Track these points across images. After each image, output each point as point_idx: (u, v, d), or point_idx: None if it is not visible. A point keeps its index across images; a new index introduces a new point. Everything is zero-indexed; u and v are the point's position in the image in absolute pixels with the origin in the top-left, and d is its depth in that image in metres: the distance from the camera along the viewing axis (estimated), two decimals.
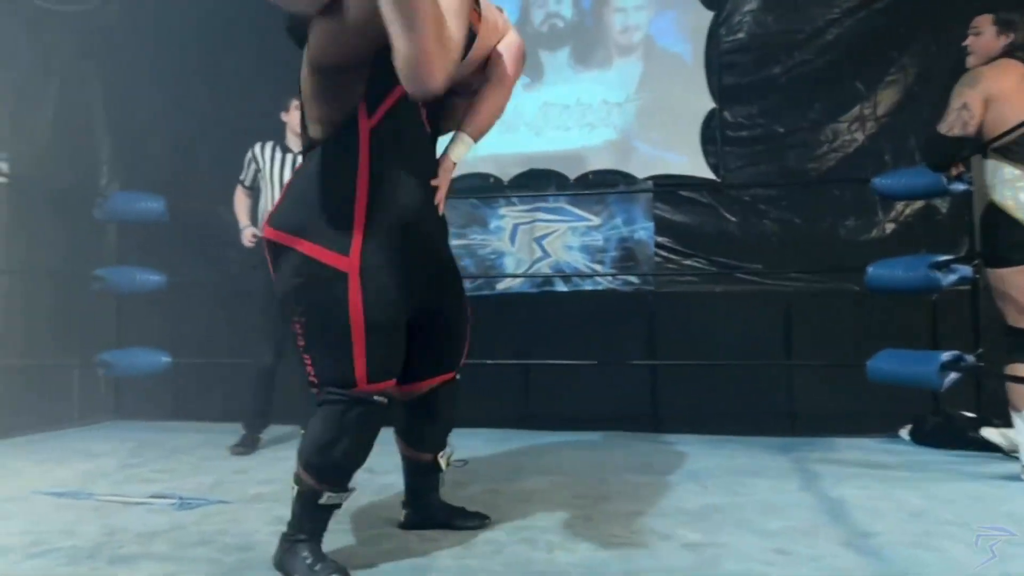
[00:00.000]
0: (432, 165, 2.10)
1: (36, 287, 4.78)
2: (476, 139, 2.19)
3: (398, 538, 2.23)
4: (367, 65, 1.88)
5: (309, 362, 1.93)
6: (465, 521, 2.30)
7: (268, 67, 4.10)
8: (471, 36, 2.00)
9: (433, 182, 2.08)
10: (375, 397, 1.90)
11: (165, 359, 4.18)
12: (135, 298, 4.54)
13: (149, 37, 4.98)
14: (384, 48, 1.68)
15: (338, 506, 1.97)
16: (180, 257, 4.72)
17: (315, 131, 1.99)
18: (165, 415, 4.37)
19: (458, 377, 2.28)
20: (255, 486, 2.91)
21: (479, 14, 2.04)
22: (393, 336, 1.94)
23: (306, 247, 1.91)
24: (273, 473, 3.14)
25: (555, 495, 2.67)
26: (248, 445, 3.68)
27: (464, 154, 2.19)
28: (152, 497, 2.73)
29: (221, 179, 4.10)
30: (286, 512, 1.94)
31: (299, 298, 1.92)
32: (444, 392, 2.22)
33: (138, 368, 4.21)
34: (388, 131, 1.93)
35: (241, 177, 3.89)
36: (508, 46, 2.19)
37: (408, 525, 2.31)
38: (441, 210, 2.15)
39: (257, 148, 3.85)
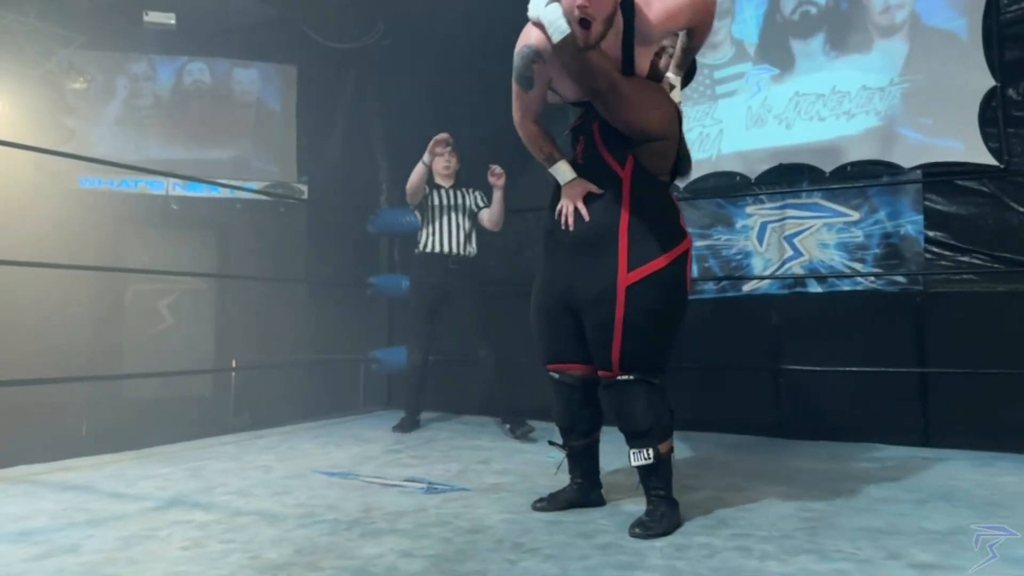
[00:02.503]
0: None
1: (327, 293, 5.48)
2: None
3: (611, 534, 2.28)
4: None
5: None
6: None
7: None
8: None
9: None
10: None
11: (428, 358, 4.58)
12: (404, 302, 5.01)
13: (419, 67, 5.48)
14: None
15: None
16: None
17: None
18: (428, 406, 4.77)
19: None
20: (493, 476, 3.11)
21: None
22: None
23: None
24: (510, 464, 3.33)
25: (782, 505, 2.57)
26: (406, 427, 4.33)
27: None
28: (406, 480, 3.02)
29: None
30: (518, 501, 2.07)
31: None
32: None
33: (404, 364, 4.65)
34: None
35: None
36: None
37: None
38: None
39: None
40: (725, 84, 4.65)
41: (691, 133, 4.62)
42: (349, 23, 5.73)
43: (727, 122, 4.60)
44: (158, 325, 5.88)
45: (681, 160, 2.58)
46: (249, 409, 5.00)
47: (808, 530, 2.25)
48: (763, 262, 4.42)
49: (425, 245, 4.40)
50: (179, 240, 5.84)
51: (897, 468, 3.17)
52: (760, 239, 4.45)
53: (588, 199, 2.44)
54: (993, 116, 3.90)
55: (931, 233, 4.04)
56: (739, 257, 4.49)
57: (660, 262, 2.35)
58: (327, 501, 2.71)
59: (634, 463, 2.37)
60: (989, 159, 3.89)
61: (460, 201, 4.44)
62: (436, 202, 4.40)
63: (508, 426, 4.17)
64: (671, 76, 2.51)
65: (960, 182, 4.00)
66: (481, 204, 4.46)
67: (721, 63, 4.66)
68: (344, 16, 5.74)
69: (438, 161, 4.41)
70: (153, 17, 5.12)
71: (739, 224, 4.51)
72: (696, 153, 4.52)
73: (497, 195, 4.28)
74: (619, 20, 2.31)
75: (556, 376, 2.59)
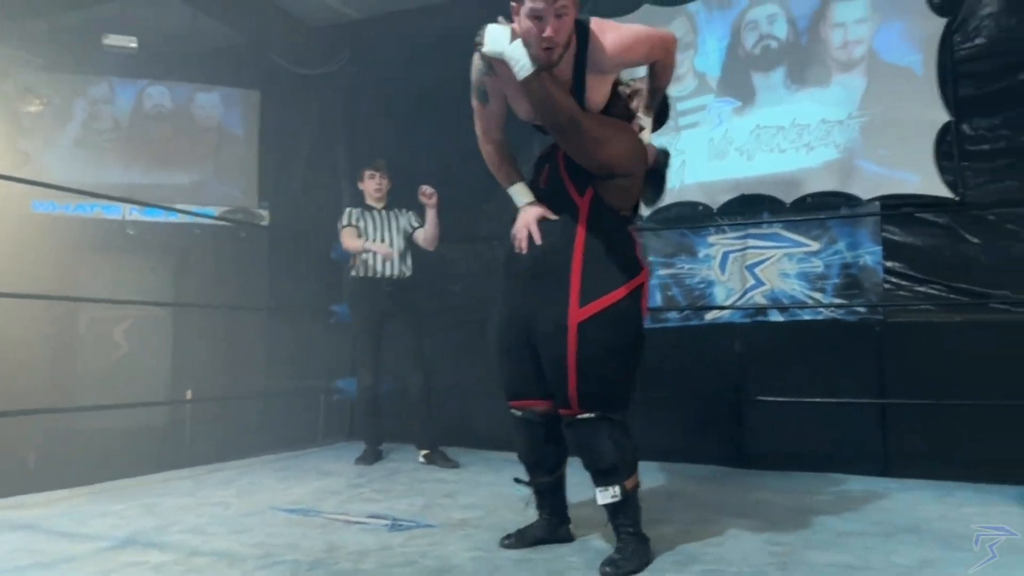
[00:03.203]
0: None
1: (288, 321, 5.40)
2: None
3: (580, 571, 2.25)
4: None
5: None
6: None
7: None
8: None
9: None
10: None
11: (388, 385, 4.52)
12: None
13: (385, 94, 5.46)
14: None
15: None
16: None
17: None
18: (392, 437, 4.69)
19: None
20: (459, 511, 3.06)
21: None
22: None
23: None
24: (476, 498, 3.29)
25: (751, 539, 2.56)
26: (368, 459, 4.28)
27: None
28: (370, 517, 2.96)
29: (448, 224, 4.44)
30: (485, 537, 2.02)
31: None
32: None
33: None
34: None
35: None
36: None
37: None
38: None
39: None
40: (688, 116, 4.70)
41: None
42: (314, 49, 5.71)
43: (689, 153, 4.65)
44: (113, 353, 5.73)
45: (653, 191, 2.59)
46: (206, 441, 4.88)
47: (779, 565, 2.25)
48: (725, 291, 4.45)
49: (360, 269, 4.40)
50: (136, 266, 5.72)
51: (861, 500, 3.19)
52: (722, 268, 4.49)
53: (544, 225, 2.41)
54: (948, 150, 3.99)
55: (889, 264, 4.11)
56: (702, 286, 4.52)
57: (614, 296, 2.32)
58: (288, 540, 2.64)
59: (601, 501, 2.33)
60: (945, 192, 3.98)
61: (393, 223, 4.46)
62: (369, 225, 4.41)
63: (424, 454, 4.22)
64: (641, 117, 2.50)
65: (917, 214, 4.08)
66: (415, 224, 4.47)
67: (684, 95, 4.71)
68: (309, 42, 5.71)
69: (369, 183, 4.49)
70: (113, 40, 5.04)
71: (702, 253, 4.55)
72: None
73: (430, 214, 4.30)
74: (572, 43, 2.30)
75: (519, 413, 2.54)
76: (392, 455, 4.48)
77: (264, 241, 5.96)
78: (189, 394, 5.24)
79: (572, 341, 2.28)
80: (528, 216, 2.44)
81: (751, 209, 4.45)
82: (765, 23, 4.55)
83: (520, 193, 2.49)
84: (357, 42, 5.65)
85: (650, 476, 3.69)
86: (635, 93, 2.54)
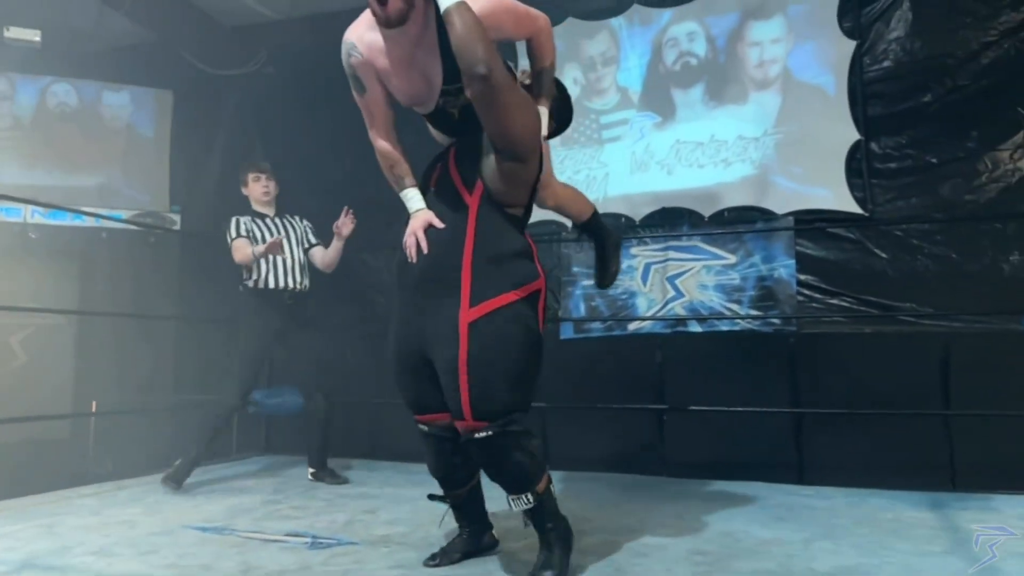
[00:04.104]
0: None
1: (201, 330, 5.20)
2: None
3: None
4: None
5: None
6: None
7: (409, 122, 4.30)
8: None
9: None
10: None
11: (278, 400, 4.43)
12: None
13: (300, 96, 5.34)
14: None
15: None
16: (329, 301, 4.96)
17: None
18: (300, 450, 4.56)
19: None
20: (382, 527, 2.99)
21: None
22: None
23: None
24: (399, 513, 3.22)
25: (676, 548, 2.58)
26: (179, 479, 3.78)
27: None
28: (288, 535, 2.86)
29: (365, 229, 4.30)
30: (410, 555, 1.96)
31: None
32: None
33: (283, 407, 4.46)
34: None
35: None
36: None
37: None
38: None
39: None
40: (611, 129, 4.75)
41: (578, 175, 4.71)
42: (230, 49, 5.54)
43: (612, 166, 4.70)
44: (10, 363, 5.41)
45: (561, 115, 2.62)
46: (111, 456, 4.63)
47: (704, 575, 2.27)
48: (647, 302, 4.51)
49: (259, 280, 4.01)
50: (37, 271, 5.41)
51: (779, 508, 3.27)
52: (644, 279, 4.55)
53: (431, 232, 2.28)
54: (858, 167, 4.15)
55: (803, 276, 4.24)
56: (624, 297, 4.57)
57: (507, 297, 2.20)
58: (200, 560, 2.53)
59: (516, 509, 2.26)
60: (855, 207, 4.14)
61: (290, 232, 4.15)
62: (264, 233, 4.06)
63: (312, 472, 4.08)
64: (541, 109, 2.39)
65: (829, 229, 4.22)
66: (313, 240, 4.22)
67: (607, 108, 4.77)
68: (225, 42, 5.54)
69: (255, 187, 4.15)
70: (15, 33, 4.75)
71: (624, 264, 4.57)
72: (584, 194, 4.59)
73: (339, 244, 4.07)
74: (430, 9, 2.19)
75: (425, 428, 2.44)
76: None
77: (175, 247, 5.73)
78: (94, 406, 4.98)
79: (463, 342, 2.16)
80: (416, 224, 2.31)
81: (672, 222, 4.53)
82: (685, 40, 4.64)
83: (412, 199, 2.37)
84: (274, 43, 5.51)
85: (574, 486, 3.70)
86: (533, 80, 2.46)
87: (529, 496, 2.22)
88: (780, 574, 2.28)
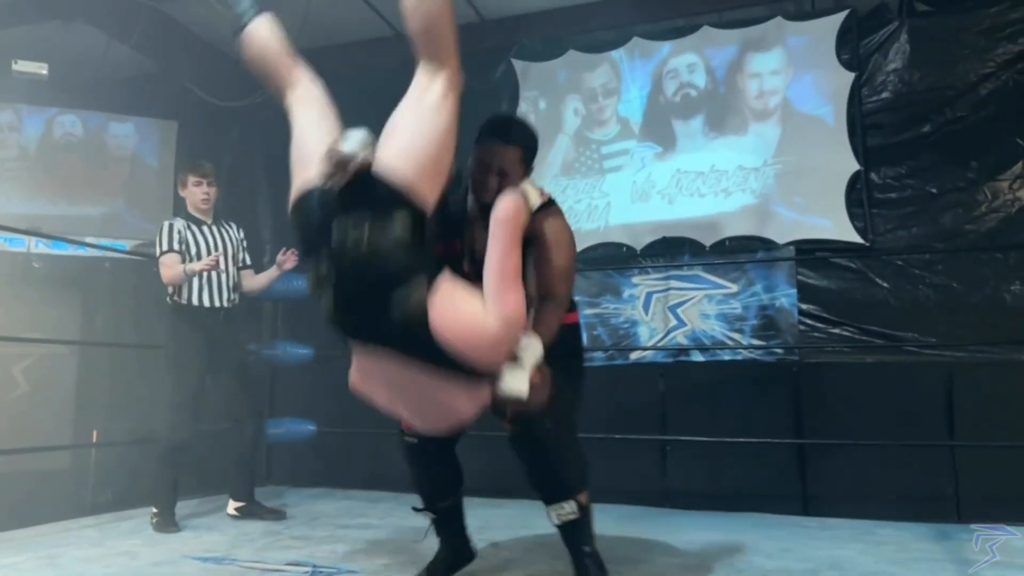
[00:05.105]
0: None
1: None
2: None
3: None
4: None
5: None
6: None
7: None
8: None
9: None
10: None
11: (310, 428, 4.39)
12: (287, 370, 4.83)
13: None
14: None
15: None
16: (328, 332, 4.97)
17: None
18: (311, 481, 4.56)
19: None
20: (384, 556, 2.97)
21: None
22: None
23: None
24: (400, 544, 3.19)
25: None
26: (169, 524, 3.54)
27: None
28: (288, 564, 2.84)
29: None
30: None
31: None
32: None
33: (287, 436, 4.44)
34: None
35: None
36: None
37: None
38: None
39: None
40: (612, 159, 4.79)
41: (580, 205, 4.74)
42: (235, 81, 5.60)
43: (613, 195, 4.73)
44: (11, 392, 5.40)
45: None
46: (112, 487, 4.61)
47: None
48: (649, 331, 4.51)
49: (191, 296, 3.69)
50: (40, 301, 5.42)
51: (783, 538, 3.24)
52: (646, 308, 4.56)
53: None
54: (858, 197, 4.18)
55: (804, 306, 4.25)
56: (627, 326, 4.57)
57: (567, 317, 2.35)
58: None
59: (557, 522, 2.23)
60: (855, 237, 4.16)
61: (228, 243, 3.85)
62: (200, 245, 3.74)
63: (238, 507, 3.81)
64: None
65: (831, 259, 4.24)
66: (245, 261, 3.96)
67: (608, 139, 4.81)
68: (230, 74, 5.60)
69: (195, 192, 3.80)
70: (23, 66, 4.80)
71: (626, 293, 4.61)
72: (585, 223, 4.66)
73: (274, 275, 3.93)
74: None
75: (413, 440, 2.41)
76: (314, 500, 4.33)
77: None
78: (95, 435, 4.96)
79: None
80: None
81: (673, 251, 4.55)
82: (685, 72, 4.69)
83: None
84: None
85: None
86: None
87: (573, 505, 2.21)
88: None
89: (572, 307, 2.43)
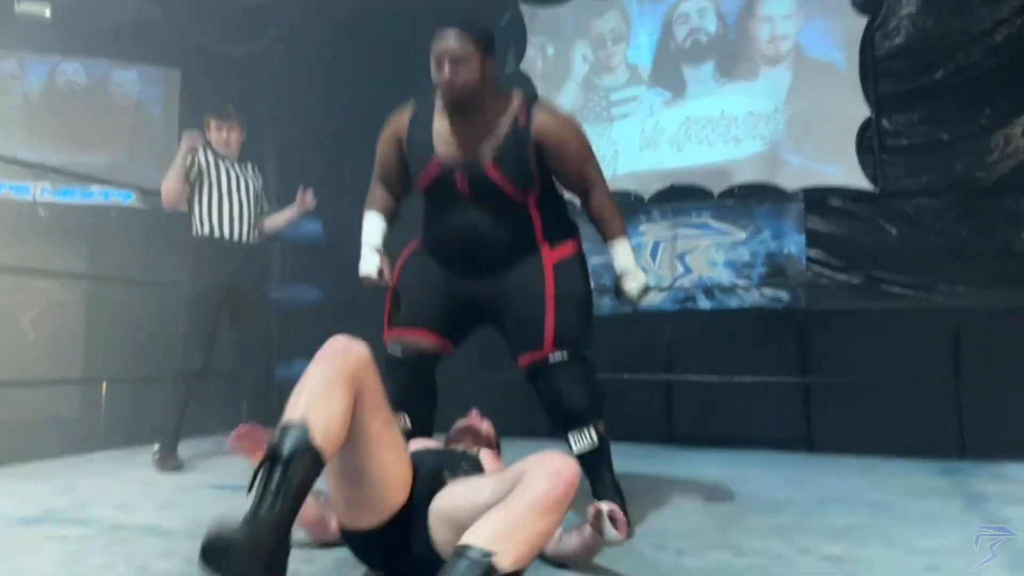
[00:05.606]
0: None
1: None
2: None
3: None
4: None
5: None
6: None
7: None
8: None
9: None
10: None
11: None
12: (294, 312, 4.85)
13: (312, 73, 5.35)
14: None
15: None
16: (336, 275, 4.97)
17: None
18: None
19: None
20: None
21: None
22: None
23: None
24: None
25: (690, 504, 2.61)
26: (167, 462, 3.47)
27: None
28: None
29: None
30: None
31: None
32: None
33: (295, 377, 4.45)
34: None
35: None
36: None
37: None
38: None
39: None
40: (620, 106, 4.76)
41: None
42: (239, 27, 5.54)
43: (621, 143, 4.71)
44: (20, 341, 5.43)
45: None
46: (122, 431, 4.64)
47: (719, 529, 2.28)
48: (656, 279, 4.52)
49: (212, 228, 3.66)
50: (47, 249, 5.43)
51: (791, 473, 3.29)
52: (653, 256, 4.56)
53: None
54: (869, 144, 4.16)
55: (812, 252, 4.25)
56: None
57: (572, 245, 2.42)
58: (218, 513, 2.52)
59: (578, 451, 2.27)
60: (865, 184, 4.14)
61: (252, 182, 3.83)
62: (223, 177, 3.70)
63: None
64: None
65: (839, 205, 4.23)
66: (267, 205, 3.99)
67: (617, 86, 4.78)
68: (234, 20, 5.55)
69: (216, 135, 3.76)
70: (25, 7, 4.77)
71: (633, 242, 4.56)
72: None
73: (294, 213, 3.96)
74: None
75: (399, 349, 2.42)
76: None
77: (185, 225, 5.74)
78: (104, 387, 4.98)
79: (550, 279, 2.32)
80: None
81: (682, 199, 4.53)
82: (696, 16, 4.65)
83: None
84: (283, 21, 5.50)
85: None
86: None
87: (592, 431, 2.29)
88: (796, 529, 2.29)
89: (575, 234, 2.46)
